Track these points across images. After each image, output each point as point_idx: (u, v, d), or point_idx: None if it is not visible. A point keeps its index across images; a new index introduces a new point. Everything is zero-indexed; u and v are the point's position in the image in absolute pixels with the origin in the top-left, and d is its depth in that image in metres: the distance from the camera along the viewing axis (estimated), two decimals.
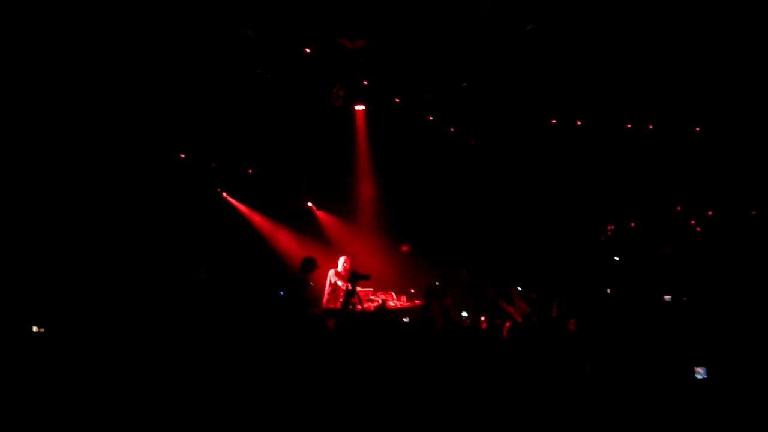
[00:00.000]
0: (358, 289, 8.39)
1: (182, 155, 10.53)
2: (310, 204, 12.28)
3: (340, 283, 9.42)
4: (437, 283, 10.42)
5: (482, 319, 9.43)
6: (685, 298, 8.71)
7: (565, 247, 11.40)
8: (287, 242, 11.53)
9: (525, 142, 11.44)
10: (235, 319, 9.15)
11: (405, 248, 11.72)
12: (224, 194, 11.28)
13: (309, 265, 9.31)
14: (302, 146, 11.15)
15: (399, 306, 9.62)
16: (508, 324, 6.89)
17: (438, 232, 12.10)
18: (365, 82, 10.03)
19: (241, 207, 11.42)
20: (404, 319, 8.93)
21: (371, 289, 9.75)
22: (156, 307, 9.06)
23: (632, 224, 11.31)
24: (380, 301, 9.50)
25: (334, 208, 12.34)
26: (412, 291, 10.11)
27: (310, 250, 10.70)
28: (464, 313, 9.41)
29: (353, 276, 8.30)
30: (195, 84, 9.25)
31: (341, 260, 9.97)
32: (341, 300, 8.92)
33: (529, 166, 11.75)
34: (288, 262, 11.32)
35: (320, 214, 12.44)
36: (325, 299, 9.40)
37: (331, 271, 9.69)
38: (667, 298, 8.93)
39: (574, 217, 11.67)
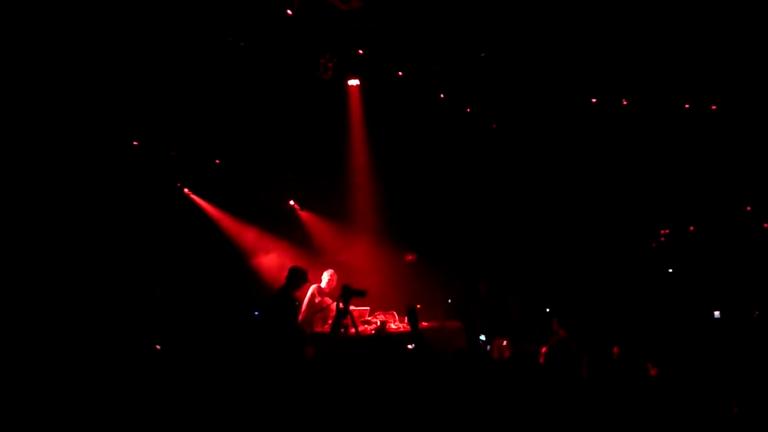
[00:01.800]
0: (352, 308, 7.96)
1: (135, 142, 9.91)
2: (292, 203, 11.69)
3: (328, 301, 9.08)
4: (450, 301, 10.39)
5: (504, 344, 9.14)
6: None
7: (607, 256, 10.84)
8: (264, 250, 11.04)
9: (557, 126, 10.74)
10: (200, 351, 8.98)
11: (410, 258, 11.16)
12: (186, 190, 10.77)
13: (297, 277, 8.63)
14: (283, 131, 10.55)
15: (402, 329, 9.09)
16: (544, 350, 6.42)
17: (450, 237, 11.52)
18: (360, 52, 9.55)
19: (207, 206, 10.91)
20: (409, 346, 8.68)
21: (367, 308, 9.29)
22: (98, 337, 8.71)
23: (691, 228, 10.75)
24: (379, 323, 9.07)
25: (322, 208, 11.70)
26: (419, 306, 8.97)
27: (292, 259, 10.19)
28: (482, 337, 9.00)
29: (345, 292, 7.86)
30: (149, 51, 8.70)
31: (326, 275, 9.37)
32: (330, 322, 8.52)
33: (561, 155, 11.10)
34: (264, 275, 10.76)
35: (304, 215, 11.76)
36: (300, 318, 8.85)
37: (313, 287, 9.14)
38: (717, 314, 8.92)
39: (616, 219, 11.07)
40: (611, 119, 10.32)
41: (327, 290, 9.32)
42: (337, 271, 9.53)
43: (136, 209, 10.20)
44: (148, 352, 9.02)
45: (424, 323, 9.30)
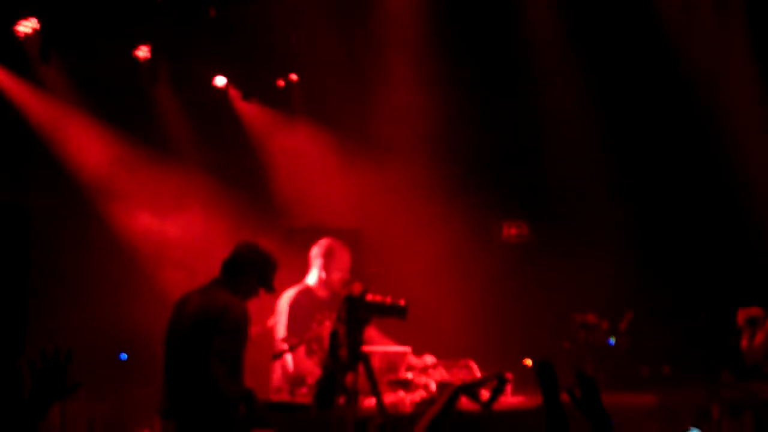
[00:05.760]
0: (368, 347, 5.74)
1: None
2: (221, 82, 8.43)
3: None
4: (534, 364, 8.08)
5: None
6: None
7: None
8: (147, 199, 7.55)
9: None
10: None
11: (514, 231, 8.75)
12: None
13: (251, 272, 6.11)
14: None
15: (506, 402, 6.14)
16: None
17: (627, 188, 8.12)
18: None
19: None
20: None
21: (407, 348, 6.61)
22: None
23: None
24: (434, 387, 6.24)
25: (303, 99, 8.25)
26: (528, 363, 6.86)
27: (225, 223, 7.36)
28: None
29: (352, 306, 5.38)
30: None
31: (317, 253, 6.71)
32: (319, 377, 5.83)
33: None
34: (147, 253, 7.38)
35: (252, 113, 8.49)
36: (275, 383, 6.43)
37: (288, 295, 6.53)
38: None
39: None
40: None
41: (326, 296, 6.72)
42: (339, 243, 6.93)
43: None
44: None
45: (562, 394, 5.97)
